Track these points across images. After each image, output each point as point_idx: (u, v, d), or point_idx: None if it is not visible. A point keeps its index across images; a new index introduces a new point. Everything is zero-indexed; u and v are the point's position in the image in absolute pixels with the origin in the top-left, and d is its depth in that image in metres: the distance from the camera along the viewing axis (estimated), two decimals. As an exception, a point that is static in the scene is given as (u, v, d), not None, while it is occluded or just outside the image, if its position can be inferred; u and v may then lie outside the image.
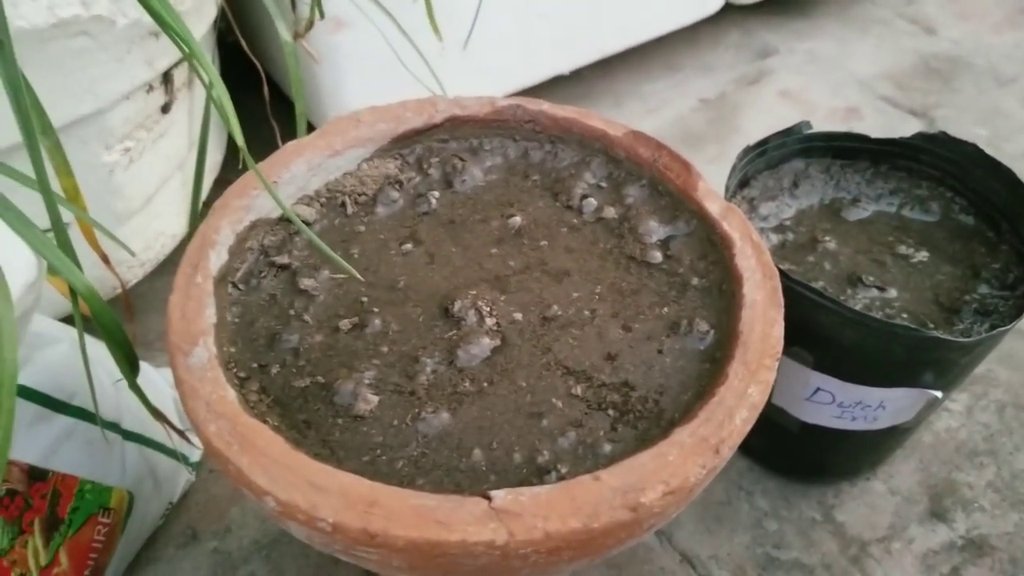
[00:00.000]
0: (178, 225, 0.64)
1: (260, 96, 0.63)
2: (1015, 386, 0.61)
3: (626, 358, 0.35)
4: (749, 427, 0.31)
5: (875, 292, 0.46)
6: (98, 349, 0.47)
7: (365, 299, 0.37)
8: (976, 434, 0.58)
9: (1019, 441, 0.57)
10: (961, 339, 0.40)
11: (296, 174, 0.41)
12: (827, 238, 0.49)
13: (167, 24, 0.40)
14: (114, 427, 0.45)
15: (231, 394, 0.31)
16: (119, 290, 0.58)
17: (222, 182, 0.71)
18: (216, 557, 0.50)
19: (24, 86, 0.35)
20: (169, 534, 0.51)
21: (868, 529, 0.52)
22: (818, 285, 0.46)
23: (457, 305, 0.36)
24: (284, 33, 0.52)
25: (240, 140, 0.36)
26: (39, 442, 0.40)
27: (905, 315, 0.45)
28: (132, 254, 0.39)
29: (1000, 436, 0.58)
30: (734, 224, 0.39)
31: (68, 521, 0.41)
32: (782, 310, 0.35)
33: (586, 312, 0.36)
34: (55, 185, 0.40)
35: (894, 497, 0.54)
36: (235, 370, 0.33)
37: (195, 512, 0.52)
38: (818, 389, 0.46)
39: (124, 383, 0.41)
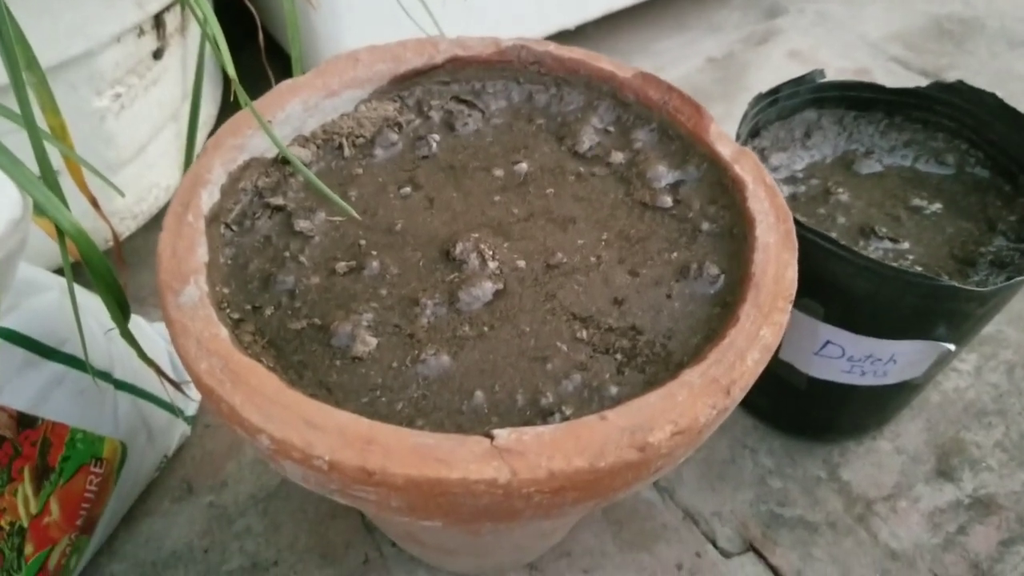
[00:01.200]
0: (172, 177, 0.62)
1: (257, 49, 0.61)
2: (1025, 347, 0.60)
3: (633, 303, 0.33)
4: (761, 368, 0.30)
5: (888, 244, 0.44)
6: (89, 300, 0.46)
7: (363, 242, 0.36)
8: (985, 394, 0.57)
9: (1028, 402, 0.56)
10: (976, 288, 0.39)
11: (291, 114, 0.40)
12: (840, 190, 0.47)
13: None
14: (106, 376, 0.44)
15: (223, 332, 0.30)
16: (111, 243, 0.57)
17: (217, 135, 0.69)
18: (212, 511, 0.49)
19: (7, 17, 0.34)
20: (165, 487, 0.50)
21: (874, 488, 0.51)
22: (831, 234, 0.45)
23: (459, 248, 0.35)
24: (280, -27, 0.50)
25: (232, 72, 0.35)
26: (28, 388, 0.39)
27: (919, 267, 0.43)
28: (122, 195, 0.38)
29: (1009, 396, 0.57)
30: (747, 167, 0.38)
31: (59, 470, 0.40)
32: (796, 253, 0.34)
33: (592, 258, 0.35)
34: (42, 124, 0.39)
35: (900, 456, 0.53)
36: (228, 311, 0.32)
37: (191, 466, 0.51)
38: (828, 342, 0.45)
39: (115, 334, 0.40)
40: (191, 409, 0.53)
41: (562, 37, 0.85)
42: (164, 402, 0.49)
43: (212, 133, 0.68)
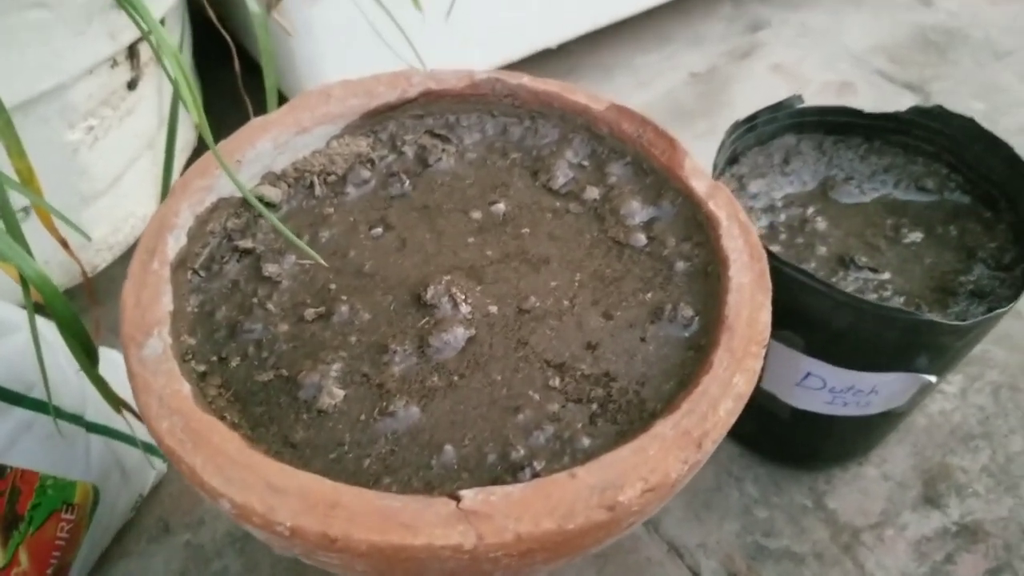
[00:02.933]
0: (149, 206, 0.61)
1: (232, 72, 0.60)
2: (1011, 367, 0.60)
3: (607, 347, 0.33)
4: (734, 418, 0.29)
5: (868, 274, 0.44)
6: (60, 337, 0.45)
7: (333, 286, 0.35)
8: (971, 417, 0.57)
9: (1014, 424, 0.56)
10: (956, 322, 0.38)
11: (262, 152, 0.39)
12: (818, 218, 0.47)
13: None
14: (78, 419, 0.43)
15: (186, 388, 0.29)
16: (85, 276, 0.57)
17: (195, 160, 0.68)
18: (189, 550, 0.48)
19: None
20: (140, 527, 0.49)
21: (860, 516, 0.51)
22: (809, 267, 0.44)
23: (430, 292, 0.34)
24: (253, 5, 0.50)
25: (197, 117, 0.34)
26: (-5, 436, 0.38)
27: (899, 297, 0.43)
28: (88, 239, 0.37)
29: (995, 419, 0.56)
30: (721, 203, 0.37)
31: (28, 519, 0.40)
32: (770, 294, 0.33)
33: (566, 301, 0.34)
34: (7, 168, 0.38)
35: (887, 482, 0.53)
36: (193, 363, 0.32)
37: (167, 504, 0.50)
38: (809, 374, 0.44)
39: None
40: (168, 445, 0.52)
41: (545, 55, 0.84)
42: (138, 441, 0.48)
43: (191, 158, 0.68)
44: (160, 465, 0.50)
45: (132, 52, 0.55)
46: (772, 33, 0.98)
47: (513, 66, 0.81)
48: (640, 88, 0.89)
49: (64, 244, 0.42)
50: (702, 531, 0.50)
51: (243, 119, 0.54)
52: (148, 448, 0.49)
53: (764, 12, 1.02)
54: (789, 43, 0.97)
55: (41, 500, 0.40)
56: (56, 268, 0.54)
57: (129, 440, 0.47)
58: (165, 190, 0.59)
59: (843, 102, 0.88)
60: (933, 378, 0.43)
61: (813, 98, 0.88)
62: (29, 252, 0.35)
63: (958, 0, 1.05)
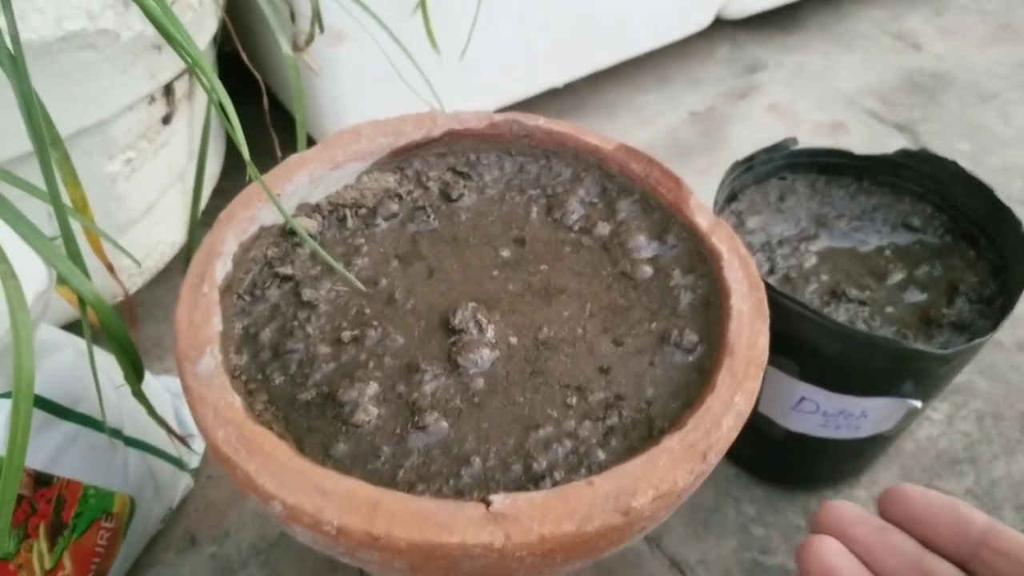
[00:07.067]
0: (177, 233, 0.65)
1: (256, 103, 0.64)
2: (994, 396, 0.63)
3: (618, 371, 0.36)
4: (735, 434, 0.32)
5: (857, 305, 0.47)
6: (101, 356, 0.48)
7: (367, 311, 0.38)
8: (956, 442, 0.60)
9: (997, 450, 0.59)
10: (939, 351, 0.42)
11: (299, 186, 0.43)
12: (812, 252, 0.50)
13: (173, 38, 0.41)
14: (117, 433, 0.46)
15: (238, 401, 0.32)
16: (119, 298, 0.60)
17: (220, 191, 0.72)
18: (215, 562, 0.51)
19: (36, 100, 0.36)
20: (168, 539, 0.52)
21: (851, 534, 0.53)
22: (803, 297, 0.48)
23: (458, 316, 0.37)
24: (286, 48, 0.54)
25: (246, 155, 0.37)
26: (45, 447, 0.41)
27: (887, 327, 0.46)
28: (138, 264, 0.40)
29: (979, 445, 0.59)
30: (722, 238, 0.41)
31: (72, 526, 0.42)
32: (767, 321, 0.36)
33: (579, 330, 0.38)
34: (64, 196, 0.41)
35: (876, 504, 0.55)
36: (242, 378, 0.35)
37: (194, 517, 0.53)
38: (803, 399, 0.47)
39: (125, 389, 0.42)
40: (195, 461, 0.55)
41: (552, 93, 0.89)
42: (170, 455, 0.51)
43: (216, 188, 0.71)
44: (188, 479, 0.53)
45: (168, 89, 0.58)
46: (768, 75, 1.03)
47: (522, 104, 0.85)
48: (642, 126, 0.93)
49: (110, 268, 0.45)
50: (702, 548, 0.53)
51: (266, 150, 0.57)
52: (178, 462, 0.51)
53: (760, 54, 1.06)
54: (784, 84, 1.01)
55: (83, 509, 0.43)
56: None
57: (162, 454, 0.49)
58: (194, 218, 0.63)
59: (835, 141, 0.93)
60: (919, 403, 0.46)
61: (807, 136, 0.93)
62: (87, 276, 0.38)
63: (945, 44, 1.10)
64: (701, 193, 0.43)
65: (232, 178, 0.74)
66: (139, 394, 0.41)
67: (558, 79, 0.86)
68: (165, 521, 0.51)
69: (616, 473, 0.30)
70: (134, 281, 0.61)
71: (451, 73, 0.74)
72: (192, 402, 0.32)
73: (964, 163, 0.52)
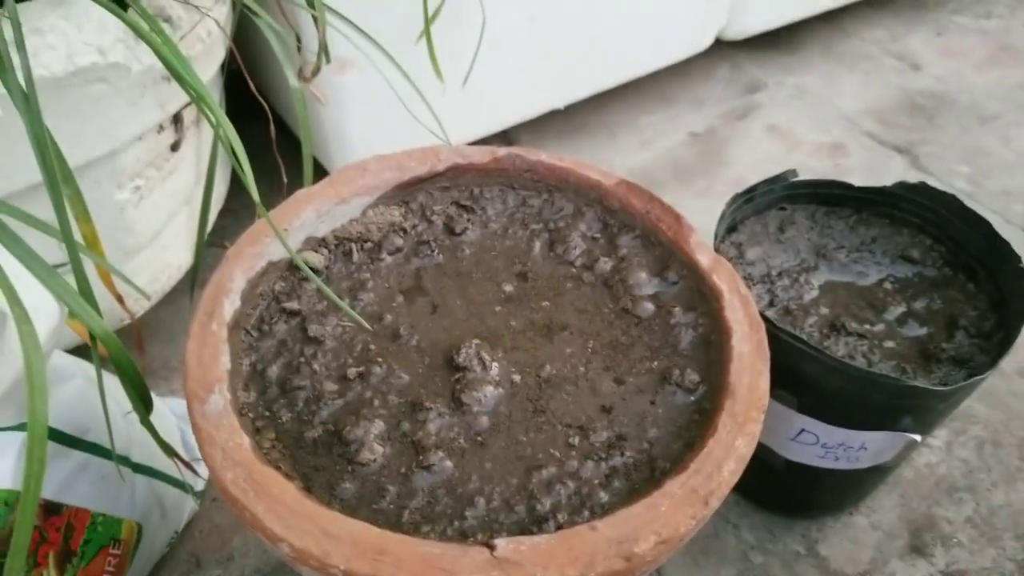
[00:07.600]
0: (184, 257, 0.65)
1: (261, 126, 0.65)
2: (994, 423, 0.63)
3: (620, 411, 0.36)
4: (736, 478, 0.33)
5: (856, 339, 0.48)
6: (108, 382, 0.49)
7: (372, 347, 0.39)
8: (955, 470, 0.60)
9: (997, 477, 0.59)
10: (938, 387, 0.42)
11: (306, 221, 0.43)
12: (811, 284, 0.51)
13: (178, 73, 0.42)
14: (125, 460, 0.46)
15: (246, 441, 0.33)
16: (126, 321, 0.60)
17: (227, 213, 0.73)
18: (219, 586, 0.51)
19: (48, 138, 0.37)
20: (174, 562, 0.52)
21: (850, 563, 0.54)
22: (803, 331, 0.48)
23: (462, 354, 0.38)
24: (293, 80, 0.54)
25: (256, 196, 0.38)
26: (55, 477, 0.41)
27: (887, 361, 0.47)
28: (148, 298, 0.41)
29: (979, 472, 0.60)
30: (723, 276, 0.41)
31: (80, 553, 0.43)
32: (768, 362, 0.37)
33: (581, 368, 0.38)
34: (75, 231, 0.42)
35: (875, 532, 0.56)
36: (250, 416, 0.35)
37: (199, 540, 0.53)
38: (803, 430, 0.48)
39: (133, 416, 0.42)
40: (200, 485, 0.55)
41: (554, 114, 0.89)
42: (176, 480, 0.51)
43: (222, 210, 0.72)
44: (193, 503, 0.53)
45: (176, 118, 0.59)
46: (767, 96, 1.04)
47: (524, 126, 0.86)
48: (643, 147, 0.94)
49: (120, 300, 0.46)
50: (701, 575, 0.53)
51: (269, 177, 0.58)
52: (184, 487, 0.52)
53: (760, 75, 1.07)
54: (784, 105, 1.02)
55: (92, 536, 0.43)
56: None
57: (168, 479, 0.50)
58: (200, 242, 0.63)
59: (835, 163, 0.93)
60: (918, 437, 0.46)
61: (806, 158, 0.94)
62: (99, 312, 0.38)
63: (945, 66, 1.11)
64: (700, 215, 0.44)
65: (239, 199, 0.75)
66: (147, 424, 0.42)
67: (560, 101, 0.87)
68: (171, 545, 0.52)
69: (619, 518, 0.30)
70: (141, 304, 0.62)
71: (454, 97, 0.74)
72: (201, 442, 0.33)
73: (963, 186, 0.52)
